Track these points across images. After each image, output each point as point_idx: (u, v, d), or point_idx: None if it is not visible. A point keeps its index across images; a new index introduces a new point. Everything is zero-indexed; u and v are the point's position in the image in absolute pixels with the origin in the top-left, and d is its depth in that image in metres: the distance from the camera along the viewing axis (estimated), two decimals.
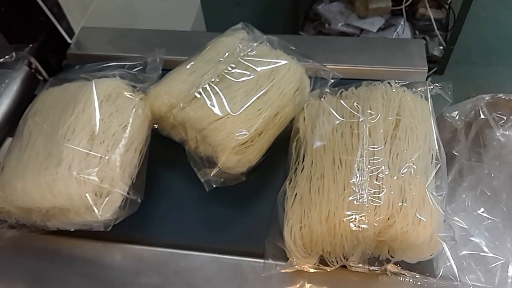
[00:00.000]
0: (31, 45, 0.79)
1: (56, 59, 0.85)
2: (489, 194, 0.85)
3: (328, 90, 0.62)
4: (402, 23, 1.80)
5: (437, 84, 0.61)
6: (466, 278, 0.71)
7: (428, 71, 0.73)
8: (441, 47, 1.80)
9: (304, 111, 0.61)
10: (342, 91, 0.61)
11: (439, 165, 0.53)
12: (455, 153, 0.91)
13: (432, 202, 0.48)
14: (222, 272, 0.55)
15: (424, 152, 0.53)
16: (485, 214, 0.82)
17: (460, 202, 0.88)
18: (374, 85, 0.59)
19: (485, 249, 0.78)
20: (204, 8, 1.48)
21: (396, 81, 0.59)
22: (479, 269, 0.77)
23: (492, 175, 0.86)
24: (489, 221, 0.82)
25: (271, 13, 1.88)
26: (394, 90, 0.58)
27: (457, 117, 0.87)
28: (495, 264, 0.75)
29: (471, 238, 0.81)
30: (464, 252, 0.79)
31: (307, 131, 0.58)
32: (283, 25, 1.90)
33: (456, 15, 1.69)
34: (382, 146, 0.52)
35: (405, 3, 1.75)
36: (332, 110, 0.57)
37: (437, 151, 0.54)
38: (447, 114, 0.86)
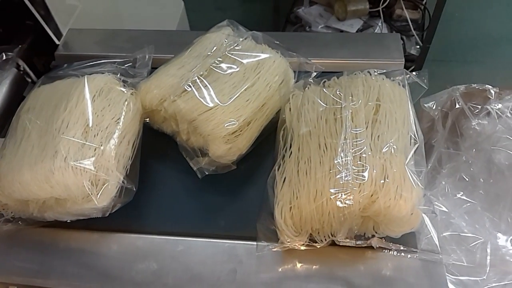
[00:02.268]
0: (19, 46, 0.81)
1: (44, 60, 0.86)
2: (467, 180, 0.90)
3: (311, 81, 0.65)
4: (379, 24, 1.86)
5: (414, 72, 0.65)
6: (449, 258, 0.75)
7: (406, 69, 0.77)
8: (418, 46, 1.86)
9: (289, 102, 0.63)
10: (324, 81, 0.64)
11: (417, 144, 0.56)
12: (433, 143, 0.96)
13: (411, 178, 0.52)
14: (217, 255, 0.57)
15: (403, 134, 0.56)
16: (464, 197, 0.86)
17: (441, 188, 0.92)
18: (355, 74, 0.63)
19: (465, 230, 0.82)
20: (187, 13, 1.51)
21: (375, 70, 0.63)
22: (460, 249, 0.81)
23: (470, 161, 0.91)
24: (468, 204, 0.86)
25: (252, 16, 1.92)
26: (373, 78, 0.62)
27: (434, 107, 0.91)
28: (474, 243, 0.79)
29: (452, 221, 0.85)
30: (445, 234, 0.83)
31: (293, 119, 0.61)
32: (265, 29, 1.94)
33: (431, 15, 1.76)
34: (364, 129, 0.55)
35: (382, 4, 1.81)
36: (316, 98, 0.61)
37: (415, 132, 0.58)
38: (425, 105, 0.90)
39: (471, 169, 0.90)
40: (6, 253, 0.60)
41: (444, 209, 0.86)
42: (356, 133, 0.55)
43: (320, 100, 0.60)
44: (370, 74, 0.63)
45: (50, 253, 0.59)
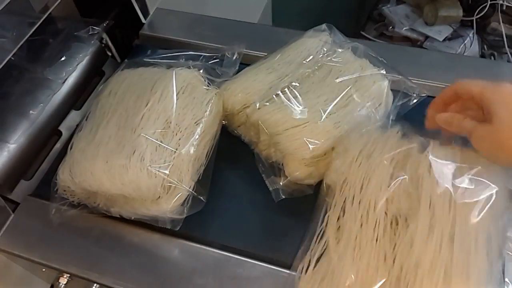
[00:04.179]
0: (105, 21, 0.79)
1: (127, 37, 0.84)
2: None
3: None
4: (470, 35, 1.71)
5: None
6: None
7: None
8: None
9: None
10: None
11: None
12: None
13: None
14: (277, 286, 0.53)
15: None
16: None
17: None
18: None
19: None
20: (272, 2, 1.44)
21: None
22: None
23: None
24: None
25: (335, 8, 1.81)
26: None
27: None
28: None
29: None
30: None
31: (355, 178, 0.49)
32: (346, 22, 1.84)
33: None
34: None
35: (477, 14, 1.66)
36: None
37: None
38: None
39: None
40: (65, 239, 0.58)
41: None
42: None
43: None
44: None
45: (109, 247, 0.57)
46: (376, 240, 0.44)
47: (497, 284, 0.43)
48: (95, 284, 0.58)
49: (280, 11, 1.49)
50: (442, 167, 0.46)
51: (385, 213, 0.46)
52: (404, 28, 1.75)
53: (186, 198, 0.54)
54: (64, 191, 0.57)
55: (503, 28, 1.67)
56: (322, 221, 0.49)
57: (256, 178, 0.60)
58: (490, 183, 0.44)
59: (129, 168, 0.51)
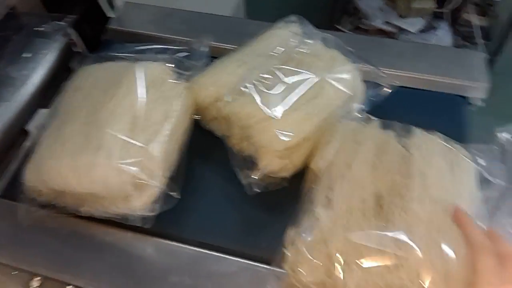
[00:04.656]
0: (71, 16, 0.76)
1: (95, 32, 0.81)
2: None
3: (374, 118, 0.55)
4: (443, 26, 1.73)
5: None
6: None
7: None
8: None
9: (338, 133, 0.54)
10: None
11: None
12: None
13: None
14: (254, 282, 0.52)
15: None
16: None
17: (499, 227, 0.84)
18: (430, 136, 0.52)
19: None
20: None
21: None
22: None
23: None
24: None
25: (309, 2, 1.81)
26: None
27: (506, 139, 0.82)
28: None
29: None
30: None
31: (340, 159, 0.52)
32: (320, 16, 1.84)
33: (502, 24, 1.62)
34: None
35: (449, 6, 1.68)
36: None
37: None
38: (498, 134, 0.82)
39: None
40: (35, 240, 0.57)
41: None
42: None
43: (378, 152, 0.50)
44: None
45: (81, 247, 0.56)
46: (364, 214, 0.45)
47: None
48: (68, 287, 0.56)
49: (253, 5, 1.48)
50: (426, 145, 0.50)
51: (372, 192, 0.47)
52: (379, 21, 1.76)
53: (158, 195, 0.53)
54: (32, 191, 0.55)
55: (475, 19, 1.70)
56: (310, 200, 0.49)
57: (230, 173, 0.59)
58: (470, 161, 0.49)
59: (96, 166, 0.49)
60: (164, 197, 0.53)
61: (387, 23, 1.74)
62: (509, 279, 0.38)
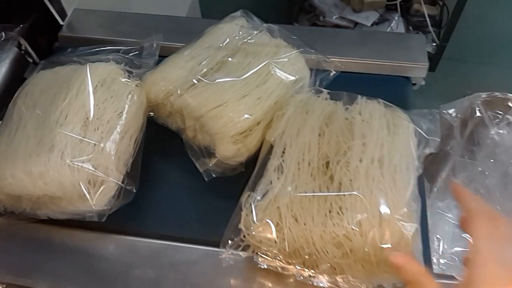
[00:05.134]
0: (21, 25, 0.76)
1: (47, 41, 0.81)
2: (482, 192, 0.86)
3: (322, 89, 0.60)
4: (396, 18, 1.80)
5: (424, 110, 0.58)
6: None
7: None
8: (434, 44, 1.80)
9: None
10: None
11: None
12: (449, 151, 0.91)
13: None
14: (218, 266, 0.53)
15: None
16: None
17: (453, 199, 0.88)
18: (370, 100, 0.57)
19: None
20: None
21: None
22: None
23: (486, 173, 0.86)
24: None
25: (265, 3, 1.86)
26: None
27: (454, 114, 0.87)
28: None
29: (464, 235, 0.81)
30: (457, 249, 0.80)
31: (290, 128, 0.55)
32: (277, 15, 1.88)
33: (450, 13, 1.69)
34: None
35: None
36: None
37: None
38: (444, 111, 0.86)
39: (487, 181, 0.86)
40: None
41: (456, 222, 0.83)
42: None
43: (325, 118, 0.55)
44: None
45: (43, 252, 0.56)
46: (312, 174, 0.50)
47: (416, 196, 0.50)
48: None
49: (208, 6, 1.50)
50: (367, 109, 0.55)
51: (318, 156, 0.51)
52: (334, 17, 1.81)
53: (114, 191, 0.54)
54: None
55: (425, 9, 1.77)
56: (264, 167, 0.52)
57: (188, 165, 0.61)
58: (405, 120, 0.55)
59: (49, 167, 0.50)
60: (121, 192, 0.54)
61: (342, 18, 1.80)
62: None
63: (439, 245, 0.79)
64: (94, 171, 0.51)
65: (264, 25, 0.67)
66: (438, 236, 0.81)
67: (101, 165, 0.52)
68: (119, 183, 0.54)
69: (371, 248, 0.44)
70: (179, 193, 0.61)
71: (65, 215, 0.54)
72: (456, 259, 0.77)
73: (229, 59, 0.61)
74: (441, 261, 0.76)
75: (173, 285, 0.52)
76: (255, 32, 0.65)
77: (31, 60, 0.79)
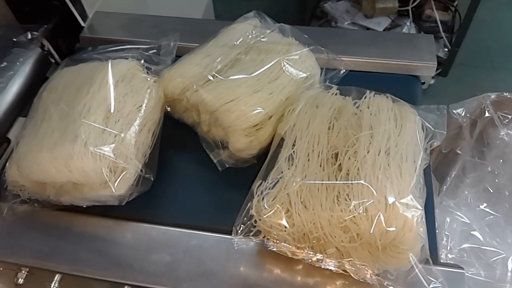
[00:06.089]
0: (45, 26, 0.80)
1: (69, 42, 0.85)
2: (491, 191, 0.87)
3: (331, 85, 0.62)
4: (408, 23, 1.81)
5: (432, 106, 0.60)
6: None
7: None
8: (446, 49, 1.80)
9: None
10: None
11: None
12: (459, 151, 0.93)
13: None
14: (231, 252, 0.56)
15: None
16: (487, 210, 0.83)
17: (463, 198, 0.89)
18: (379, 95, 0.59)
19: (486, 243, 0.79)
20: (214, 2, 1.50)
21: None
22: (479, 263, 0.78)
23: (496, 173, 0.87)
24: (491, 216, 0.83)
25: (278, 9, 1.89)
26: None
27: (463, 114, 0.88)
28: (495, 258, 0.77)
29: (472, 233, 0.82)
30: (465, 246, 0.81)
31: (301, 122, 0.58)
32: (290, 22, 1.91)
33: (462, 18, 1.70)
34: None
35: (412, 4, 1.76)
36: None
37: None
38: (453, 111, 0.87)
39: (496, 180, 0.87)
40: (20, 234, 0.60)
41: (466, 220, 0.83)
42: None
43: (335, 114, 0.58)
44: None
45: (64, 237, 0.59)
46: (321, 164, 0.52)
47: (421, 184, 0.52)
48: (57, 275, 0.58)
49: (221, 11, 1.54)
50: (376, 103, 0.57)
51: (327, 148, 0.54)
52: (346, 23, 1.83)
53: (134, 179, 0.56)
54: (14, 186, 0.58)
55: (437, 15, 1.78)
56: (276, 159, 0.55)
57: (202, 158, 0.64)
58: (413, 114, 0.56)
59: (73, 154, 0.53)
60: (140, 180, 0.57)
61: (354, 24, 1.82)
62: None
63: (447, 242, 0.80)
64: (115, 159, 0.54)
65: (276, 24, 0.69)
66: (446, 233, 0.82)
67: (121, 154, 0.55)
68: (138, 170, 0.57)
69: (376, 231, 0.46)
70: (193, 184, 0.64)
71: (87, 202, 0.57)
72: (465, 255, 0.78)
73: (243, 56, 0.64)
74: (449, 256, 0.77)
75: (187, 269, 0.55)
76: (268, 31, 0.67)
77: (53, 61, 0.83)
